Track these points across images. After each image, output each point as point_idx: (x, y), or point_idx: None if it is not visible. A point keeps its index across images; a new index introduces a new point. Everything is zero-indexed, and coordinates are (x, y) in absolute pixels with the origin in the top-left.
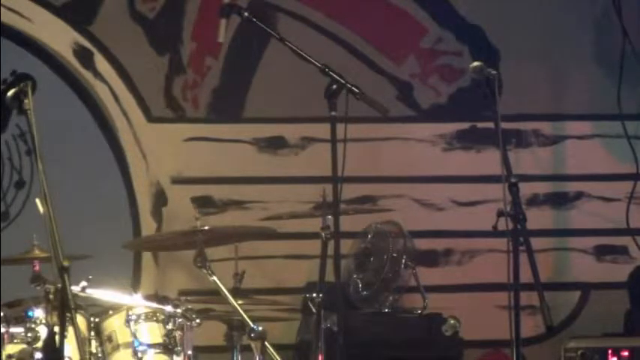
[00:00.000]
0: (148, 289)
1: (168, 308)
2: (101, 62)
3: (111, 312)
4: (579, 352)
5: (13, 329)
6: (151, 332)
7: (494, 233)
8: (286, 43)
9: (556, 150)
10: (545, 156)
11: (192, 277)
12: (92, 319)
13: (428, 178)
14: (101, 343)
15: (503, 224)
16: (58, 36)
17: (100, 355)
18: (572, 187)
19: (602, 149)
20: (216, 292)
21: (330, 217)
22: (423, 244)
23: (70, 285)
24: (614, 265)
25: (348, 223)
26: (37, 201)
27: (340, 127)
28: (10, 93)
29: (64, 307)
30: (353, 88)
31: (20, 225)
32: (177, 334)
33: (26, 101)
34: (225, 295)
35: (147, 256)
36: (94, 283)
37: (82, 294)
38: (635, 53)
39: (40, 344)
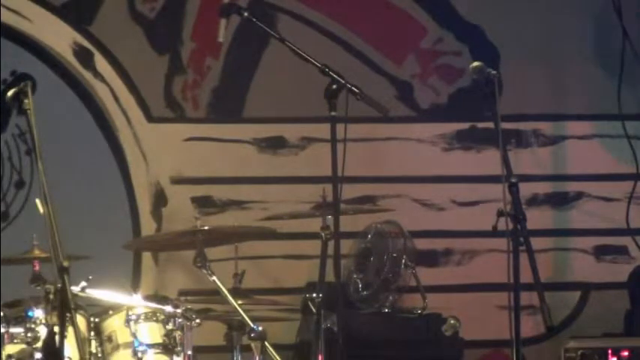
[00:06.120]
0: (147, 289)
1: (168, 308)
2: (101, 62)
3: (111, 312)
4: (579, 352)
5: (13, 329)
6: (151, 332)
7: (495, 233)
8: (286, 43)
9: (556, 150)
10: (545, 156)
11: (192, 277)
12: (92, 319)
13: (428, 178)
14: (101, 343)
15: (503, 224)
16: (58, 36)
17: (99, 355)
18: (572, 187)
19: (602, 149)
20: (216, 292)
21: (330, 217)
22: (423, 244)
23: (70, 285)
24: (614, 265)
25: (348, 223)
26: (37, 201)
27: (340, 127)
28: (10, 93)
29: (63, 307)
30: (353, 88)
31: (20, 225)
32: (177, 334)
33: (26, 101)
34: (225, 295)
35: (147, 256)
36: (94, 283)
37: (81, 294)
38: (635, 53)
39: (40, 344)
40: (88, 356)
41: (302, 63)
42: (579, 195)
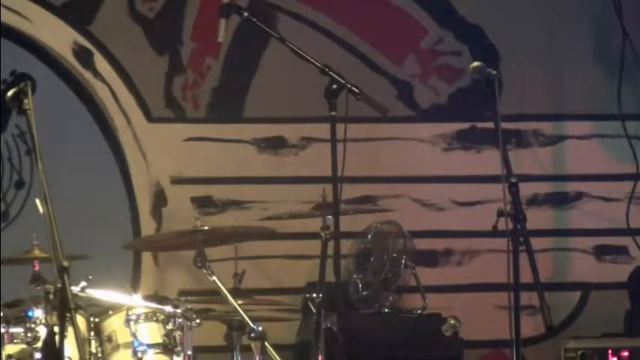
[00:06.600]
0: (147, 289)
1: (168, 308)
2: (101, 62)
3: (111, 312)
4: (579, 352)
5: (13, 329)
6: (151, 332)
7: (494, 233)
8: (286, 43)
9: (556, 150)
10: (545, 156)
11: (192, 277)
12: (92, 319)
13: (428, 178)
14: (101, 343)
15: (503, 224)
16: (58, 36)
17: (99, 355)
18: (572, 187)
19: (602, 149)
20: (216, 292)
21: (330, 217)
22: (423, 244)
23: (70, 285)
24: (614, 265)
25: (348, 223)
26: (37, 201)
27: (340, 127)
28: (10, 93)
29: (63, 307)
30: (353, 88)
31: (20, 225)
32: (177, 334)
33: (26, 101)
34: (225, 295)
35: (147, 256)
36: (94, 283)
37: (82, 294)
38: (635, 53)
39: (40, 344)
40: (88, 356)
41: (302, 63)
42: (579, 195)
